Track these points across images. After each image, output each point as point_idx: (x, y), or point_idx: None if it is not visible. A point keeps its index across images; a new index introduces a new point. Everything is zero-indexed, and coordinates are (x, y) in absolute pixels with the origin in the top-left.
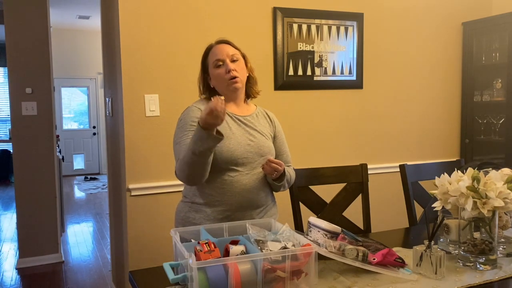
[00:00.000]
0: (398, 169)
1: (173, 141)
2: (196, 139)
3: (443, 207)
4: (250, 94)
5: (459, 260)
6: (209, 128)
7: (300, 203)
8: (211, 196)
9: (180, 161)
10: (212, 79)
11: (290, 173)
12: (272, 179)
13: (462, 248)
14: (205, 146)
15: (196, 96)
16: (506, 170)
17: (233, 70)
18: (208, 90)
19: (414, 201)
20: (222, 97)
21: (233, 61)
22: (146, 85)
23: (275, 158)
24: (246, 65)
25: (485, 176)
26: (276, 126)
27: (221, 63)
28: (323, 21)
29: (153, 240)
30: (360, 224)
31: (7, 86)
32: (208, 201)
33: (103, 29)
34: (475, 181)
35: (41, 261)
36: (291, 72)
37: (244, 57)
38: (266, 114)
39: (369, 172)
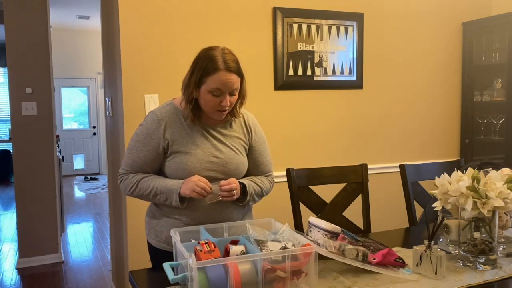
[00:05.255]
0: (398, 169)
1: (128, 143)
2: (166, 190)
3: (443, 207)
4: (231, 112)
5: (459, 260)
6: (185, 196)
7: (300, 203)
8: (172, 208)
9: (136, 184)
10: (202, 98)
11: (265, 185)
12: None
13: (462, 248)
14: (167, 201)
15: None
16: (506, 170)
17: (226, 106)
18: (191, 99)
19: (414, 201)
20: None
21: (231, 94)
22: (146, 85)
23: (252, 171)
24: (241, 88)
25: (485, 176)
26: (254, 135)
27: (219, 93)
28: (323, 21)
29: None
30: (360, 224)
31: (7, 86)
32: (169, 211)
33: (103, 29)
34: (475, 181)
35: (41, 261)
36: (291, 72)
37: (241, 82)
38: (244, 121)
39: (369, 172)
